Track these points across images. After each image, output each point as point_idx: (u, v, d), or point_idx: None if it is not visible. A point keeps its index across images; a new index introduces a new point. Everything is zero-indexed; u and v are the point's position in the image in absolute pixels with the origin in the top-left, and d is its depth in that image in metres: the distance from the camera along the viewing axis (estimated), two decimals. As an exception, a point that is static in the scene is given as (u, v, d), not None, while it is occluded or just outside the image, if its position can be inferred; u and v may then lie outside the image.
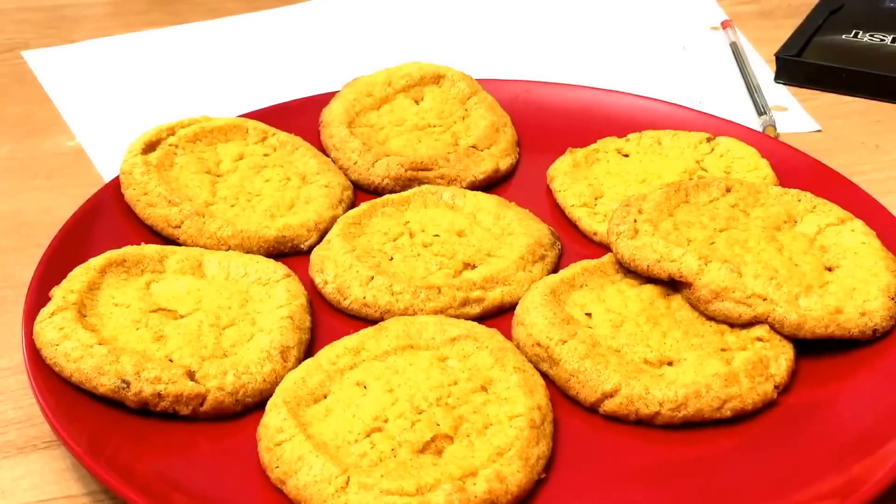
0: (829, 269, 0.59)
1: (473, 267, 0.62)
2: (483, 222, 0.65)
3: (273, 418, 0.51)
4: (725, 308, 0.57)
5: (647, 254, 0.59)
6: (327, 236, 0.64)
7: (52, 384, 0.54)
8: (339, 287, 0.60)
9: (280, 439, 0.50)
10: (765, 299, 0.56)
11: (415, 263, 0.62)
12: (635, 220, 0.61)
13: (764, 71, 0.87)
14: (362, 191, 0.70)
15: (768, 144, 0.72)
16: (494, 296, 0.60)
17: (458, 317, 0.59)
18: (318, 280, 0.62)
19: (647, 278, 0.60)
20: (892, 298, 0.58)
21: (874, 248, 0.60)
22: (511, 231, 0.64)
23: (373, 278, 0.60)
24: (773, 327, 0.57)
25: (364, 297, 0.60)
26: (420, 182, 0.69)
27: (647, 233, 0.60)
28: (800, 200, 0.63)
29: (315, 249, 0.63)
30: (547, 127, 0.75)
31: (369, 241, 0.63)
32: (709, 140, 0.71)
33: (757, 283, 0.57)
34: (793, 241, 0.61)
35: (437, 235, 0.64)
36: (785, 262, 0.58)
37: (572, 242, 0.66)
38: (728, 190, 0.64)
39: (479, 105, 0.74)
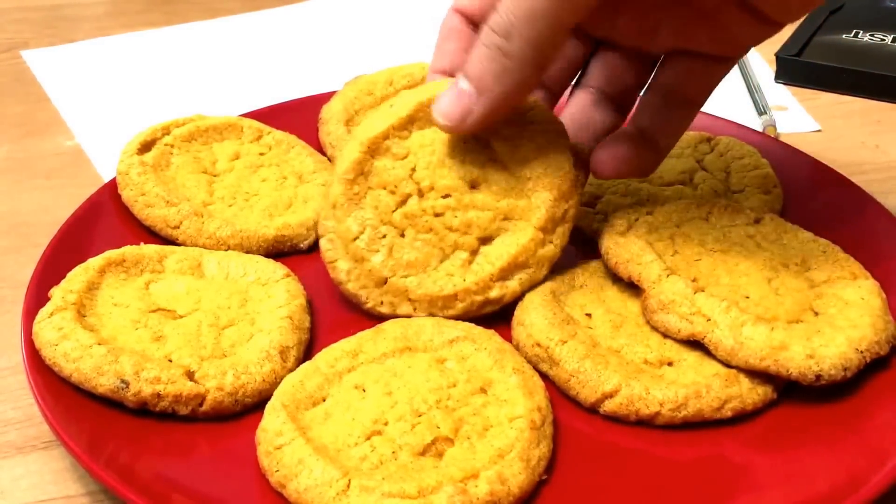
0: (816, 314, 0.57)
1: (490, 241, 0.59)
2: (500, 152, 0.59)
3: (272, 422, 0.51)
4: (667, 321, 0.56)
5: (619, 251, 0.59)
6: (330, 199, 0.59)
7: (51, 384, 0.54)
8: (356, 295, 0.59)
9: (279, 443, 0.50)
10: (708, 319, 0.55)
11: (429, 250, 0.58)
12: (637, 219, 0.60)
13: (764, 71, 0.87)
14: (361, 190, 0.69)
15: (768, 144, 0.72)
16: (513, 286, 0.59)
17: (478, 317, 0.58)
18: (333, 275, 0.59)
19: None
20: (860, 351, 0.54)
21: (870, 305, 0.57)
22: (531, 174, 0.59)
23: (387, 281, 0.58)
24: (709, 349, 0.55)
25: (381, 304, 0.58)
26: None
27: (636, 233, 0.59)
28: (824, 251, 0.60)
29: (321, 220, 0.59)
30: (547, 127, 0.75)
31: (377, 202, 0.58)
32: (709, 140, 0.71)
33: (706, 302, 0.55)
34: (790, 279, 0.58)
35: (447, 196, 0.58)
36: (765, 290, 0.56)
37: (572, 242, 0.66)
38: (757, 221, 0.62)
39: (478, 104, 0.74)
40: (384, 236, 0.58)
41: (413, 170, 0.58)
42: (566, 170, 0.59)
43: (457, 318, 0.58)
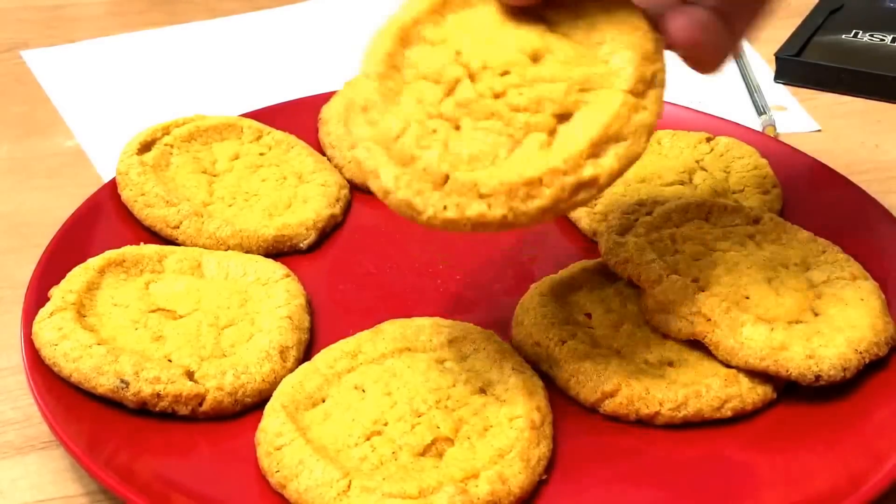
0: (816, 314, 0.57)
1: (569, 117, 0.47)
2: (559, 23, 0.48)
3: (272, 423, 0.51)
4: (667, 321, 0.56)
5: (619, 251, 0.58)
6: (358, 102, 0.47)
7: (51, 384, 0.54)
8: (410, 204, 0.46)
9: (279, 443, 0.50)
10: (709, 319, 0.55)
11: (494, 138, 0.46)
12: (636, 219, 0.60)
13: (764, 71, 0.87)
14: (357, 190, 0.69)
15: (768, 144, 0.72)
16: (610, 163, 0.46)
17: (571, 207, 0.47)
18: (376, 187, 0.46)
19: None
20: (860, 352, 0.54)
21: (870, 306, 0.57)
22: (602, 38, 0.48)
23: (448, 178, 0.45)
24: (709, 349, 0.55)
25: (445, 208, 0.45)
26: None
27: (635, 233, 0.59)
28: (824, 251, 0.60)
29: (352, 128, 0.48)
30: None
31: (419, 95, 0.47)
32: (708, 140, 0.71)
33: (706, 303, 0.55)
34: (790, 279, 0.58)
35: (506, 73, 0.47)
36: (765, 291, 0.56)
37: (572, 242, 0.66)
38: (756, 221, 0.62)
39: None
40: (435, 131, 0.46)
41: (458, 53, 0.47)
42: (645, 28, 0.48)
43: (544, 212, 0.46)
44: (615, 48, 0.48)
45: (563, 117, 0.47)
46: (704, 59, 0.50)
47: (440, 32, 0.48)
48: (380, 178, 0.46)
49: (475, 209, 0.45)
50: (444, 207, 0.46)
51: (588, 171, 0.46)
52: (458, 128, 0.46)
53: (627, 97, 0.47)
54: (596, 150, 0.46)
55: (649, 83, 0.48)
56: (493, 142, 0.46)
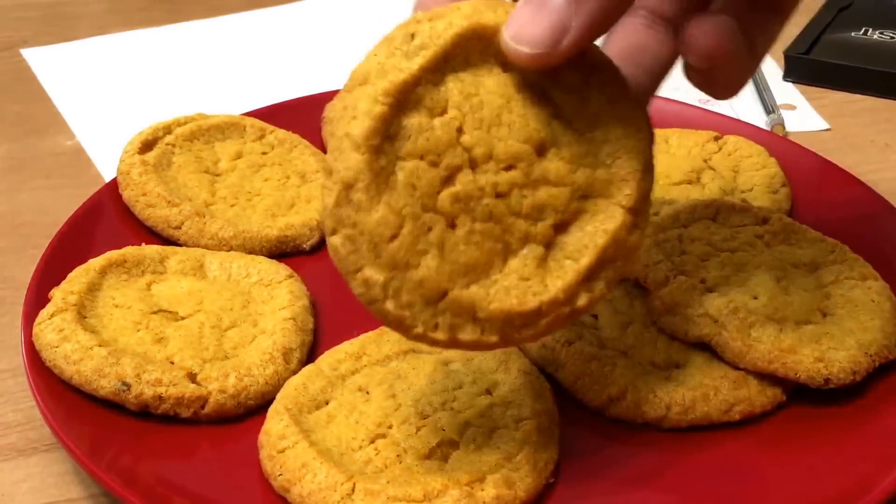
0: (824, 315, 0.56)
1: (566, 228, 0.44)
2: (564, 107, 0.44)
3: (275, 425, 0.51)
4: (674, 323, 0.55)
5: None
6: (341, 176, 0.42)
7: (52, 386, 0.53)
8: (399, 319, 0.42)
9: (283, 446, 0.50)
10: (716, 321, 0.54)
11: (490, 245, 0.43)
12: None
13: (772, 69, 0.87)
14: (362, 189, 0.69)
15: (777, 143, 0.72)
16: (600, 289, 0.44)
17: (557, 330, 0.45)
18: (358, 290, 0.42)
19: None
20: (870, 355, 0.54)
21: (880, 308, 0.56)
22: (605, 135, 0.44)
23: (446, 294, 0.42)
24: (717, 350, 0.55)
25: (436, 327, 0.42)
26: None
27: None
28: (833, 251, 0.60)
29: (330, 208, 0.42)
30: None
31: (415, 179, 0.42)
32: (716, 139, 0.71)
33: (713, 304, 0.55)
34: (799, 279, 0.57)
35: (510, 168, 0.43)
36: (773, 291, 0.56)
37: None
38: (764, 221, 0.61)
39: (483, 103, 0.73)
40: (430, 229, 0.42)
41: (459, 130, 0.42)
42: (647, 130, 0.45)
43: (534, 337, 0.44)
44: (619, 152, 0.44)
45: (560, 227, 0.44)
46: (725, 76, 0.47)
47: (439, 97, 0.42)
48: (365, 280, 0.41)
49: (469, 334, 0.42)
50: (436, 326, 0.42)
51: (582, 300, 0.44)
52: (453, 225, 0.42)
53: (626, 217, 0.44)
54: (592, 273, 0.44)
55: (646, 198, 0.45)
56: (489, 249, 0.42)
